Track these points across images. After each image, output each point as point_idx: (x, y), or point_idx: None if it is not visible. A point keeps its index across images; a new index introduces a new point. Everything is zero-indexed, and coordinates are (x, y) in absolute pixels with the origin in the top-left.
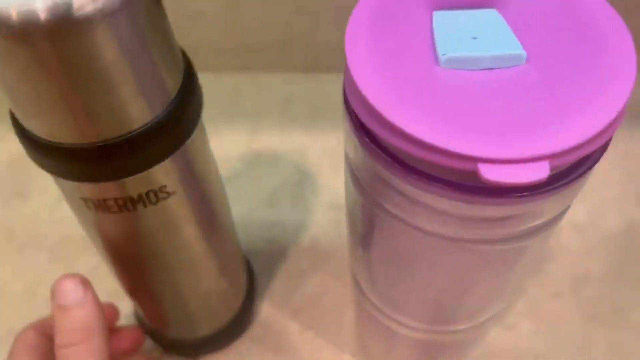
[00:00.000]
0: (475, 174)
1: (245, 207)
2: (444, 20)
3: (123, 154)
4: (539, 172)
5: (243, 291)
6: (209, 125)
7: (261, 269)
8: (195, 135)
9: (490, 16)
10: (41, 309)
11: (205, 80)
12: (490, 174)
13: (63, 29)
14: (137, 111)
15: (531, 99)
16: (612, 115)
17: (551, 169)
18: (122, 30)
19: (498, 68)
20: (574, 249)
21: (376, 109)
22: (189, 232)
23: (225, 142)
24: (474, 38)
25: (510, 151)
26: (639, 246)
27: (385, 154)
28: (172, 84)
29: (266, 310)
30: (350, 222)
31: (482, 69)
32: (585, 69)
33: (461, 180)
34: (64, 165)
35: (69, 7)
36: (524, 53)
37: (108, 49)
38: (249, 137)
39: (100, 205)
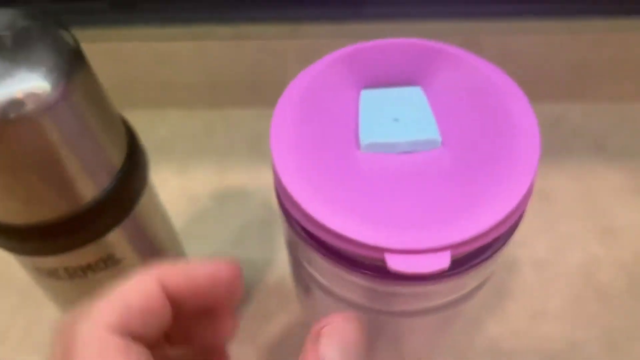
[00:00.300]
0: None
1: (214, 246)
2: (370, 100)
3: (70, 230)
4: (441, 262)
5: None
6: (180, 162)
7: None
8: (142, 200)
9: (414, 95)
10: (12, 354)
11: (177, 116)
12: (396, 263)
13: (3, 128)
14: (83, 189)
15: (440, 186)
16: (512, 205)
17: (453, 257)
18: (63, 120)
19: (415, 151)
20: (533, 285)
21: (296, 201)
22: None
23: (195, 179)
24: (396, 120)
25: (414, 243)
26: (598, 282)
27: (307, 237)
28: (116, 157)
29: (230, 350)
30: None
31: (400, 153)
32: (492, 157)
33: (373, 262)
34: (14, 242)
35: (8, 107)
36: (438, 138)
37: (50, 140)
38: (219, 174)
39: (52, 273)
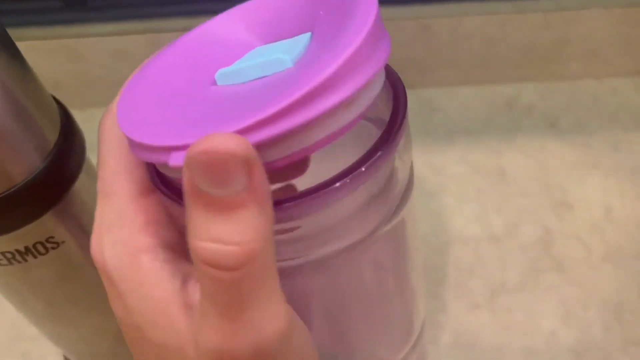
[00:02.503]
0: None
1: None
2: (256, 51)
3: (5, 210)
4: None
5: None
6: None
7: None
8: (80, 182)
9: (298, 38)
10: None
11: None
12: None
13: None
14: (14, 168)
15: (266, 91)
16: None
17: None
18: None
19: (267, 76)
20: (491, 260)
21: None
22: (88, 278)
23: None
24: (263, 56)
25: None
26: (554, 254)
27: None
28: (49, 137)
29: None
30: None
31: (253, 80)
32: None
33: None
34: None
35: None
36: (286, 57)
37: None
38: None
39: None
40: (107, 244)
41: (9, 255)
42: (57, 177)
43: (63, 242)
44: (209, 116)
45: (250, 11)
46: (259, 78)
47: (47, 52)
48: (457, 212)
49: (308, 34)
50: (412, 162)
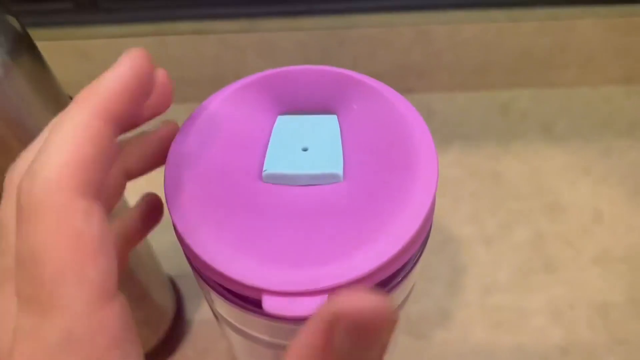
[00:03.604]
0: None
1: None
2: (284, 127)
3: None
4: (316, 304)
5: (170, 315)
6: None
7: (193, 293)
8: None
9: (328, 124)
10: None
11: None
12: (271, 305)
13: None
14: None
15: (333, 223)
16: (394, 250)
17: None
18: (6, 98)
19: (317, 185)
20: (483, 260)
21: (181, 235)
22: None
23: (159, 170)
24: (305, 150)
25: (290, 284)
26: (543, 256)
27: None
28: None
29: (196, 330)
30: None
31: (302, 186)
32: (390, 195)
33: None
34: None
35: None
36: (340, 173)
37: None
38: None
39: None
40: None
41: None
42: None
43: None
44: (296, 249)
45: (264, 79)
46: (307, 185)
47: (58, 52)
48: (452, 213)
49: (333, 118)
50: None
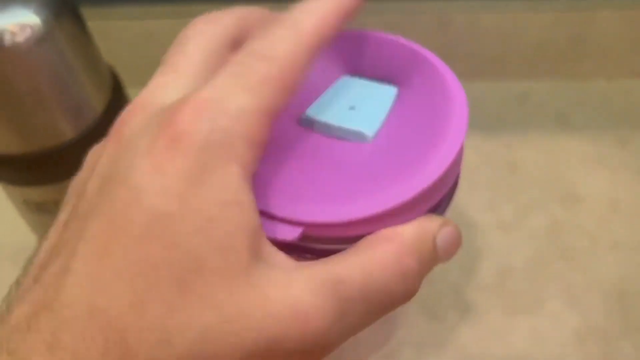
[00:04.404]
0: None
1: None
2: (343, 86)
3: (54, 162)
4: (290, 233)
5: None
6: None
7: None
8: None
9: (385, 93)
10: None
11: None
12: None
13: None
14: (66, 125)
15: (345, 172)
16: (426, 184)
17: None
18: (48, 55)
19: (346, 140)
20: (499, 246)
21: None
22: None
23: None
24: (352, 108)
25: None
26: (560, 243)
27: None
28: (98, 101)
29: None
30: None
31: (333, 137)
32: (416, 153)
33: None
34: (4, 171)
35: (1, 36)
36: (369, 134)
37: (36, 70)
38: None
39: (40, 207)
40: (210, 121)
41: (58, 204)
42: (105, 135)
43: None
44: (338, 187)
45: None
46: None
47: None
48: (468, 200)
49: (393, 89)
50: None
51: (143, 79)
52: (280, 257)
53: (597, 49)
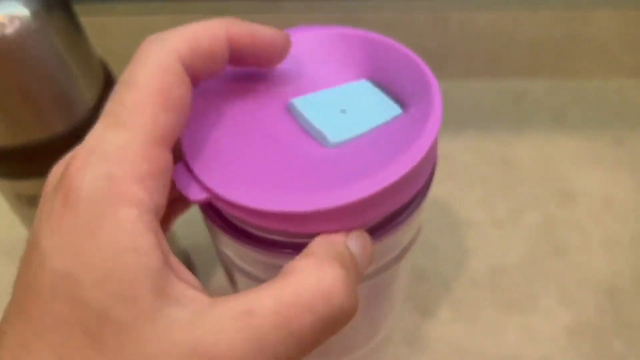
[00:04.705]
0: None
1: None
2: (355, 88)
3: (44, 155)
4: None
5: None
6: None
7: (204, 264)
8: None
9: (386, 111)
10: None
11: None
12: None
13: None
14: (56, 117)
15: (305, 172)
16: (400, 173)
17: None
18: (38, 46)
19: (315, 138)
20: (493, 243)
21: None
22: None
23: None
24: (342, 111)
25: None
26: (553, 240)
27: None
28: (89, 94)
29: None
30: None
31: (308, 132)
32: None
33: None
34: None
35: None
36: (331, 139)
37: (26, 62)
38: None
39: (31, 201)
40: (92, 170)
41: None
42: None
43: None
44: (319, 179)
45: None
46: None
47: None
48: (462, 197)
49: (390, 115)
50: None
51: None
52: (192, 294)
53: (593, 48)
